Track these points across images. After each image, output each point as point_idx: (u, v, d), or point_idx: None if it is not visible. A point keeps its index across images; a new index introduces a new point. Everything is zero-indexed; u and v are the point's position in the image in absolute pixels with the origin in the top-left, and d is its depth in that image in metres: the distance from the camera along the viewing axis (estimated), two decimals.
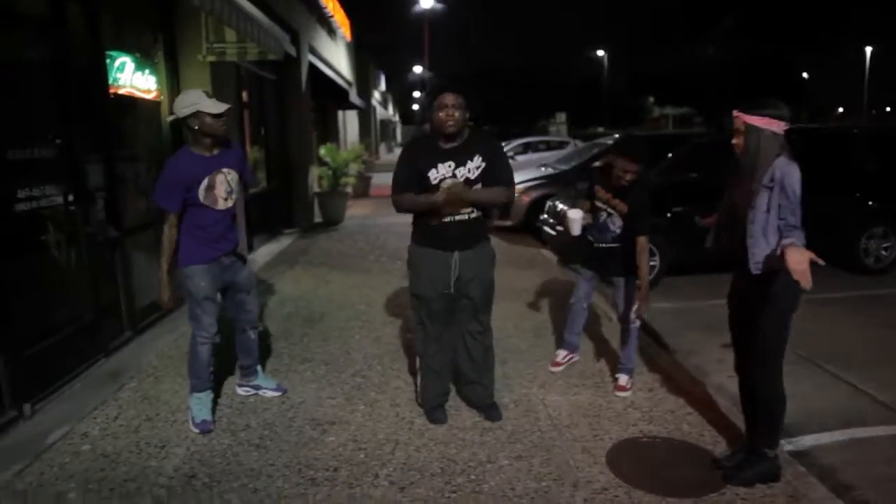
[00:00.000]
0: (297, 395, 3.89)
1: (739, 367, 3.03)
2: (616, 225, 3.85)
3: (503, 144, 3.41)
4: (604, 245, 3.95)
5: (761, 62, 40.31)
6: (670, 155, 7.38)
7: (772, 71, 40.79)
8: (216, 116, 3.20)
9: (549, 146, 19.45)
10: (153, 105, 5.64)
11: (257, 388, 3.85)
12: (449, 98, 3.12)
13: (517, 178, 4.06)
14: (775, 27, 38.28)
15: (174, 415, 3.62)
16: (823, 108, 57.06)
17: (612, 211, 3.85)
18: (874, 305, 5.92)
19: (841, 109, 63.97)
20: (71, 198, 4.11)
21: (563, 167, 10.24)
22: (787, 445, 3.30)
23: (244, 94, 8.49)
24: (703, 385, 4.11)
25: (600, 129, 36.58)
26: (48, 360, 3.82)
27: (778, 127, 2.68)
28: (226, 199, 3.39)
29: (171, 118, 3.34)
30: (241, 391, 3.86)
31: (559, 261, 7.77)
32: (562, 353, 4.32)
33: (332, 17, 13.49)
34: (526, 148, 18.50)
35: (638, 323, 3.95)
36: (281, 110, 10.30)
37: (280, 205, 10.02)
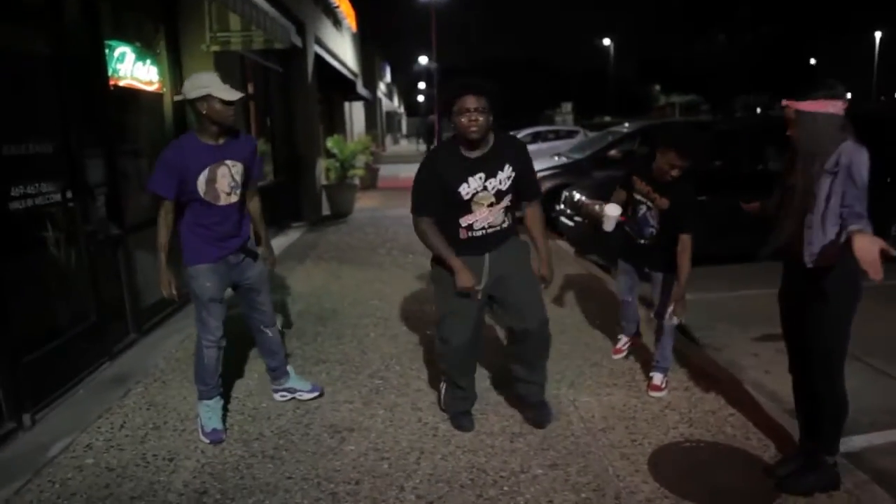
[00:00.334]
0: (312, 399, 3.67)
1: (794, 367, 2.78)
2: (655, 221, 3.59)
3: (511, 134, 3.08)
4: (643, 242, 3.69)
5: (771, 48, 39.79)
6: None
7: (781, 57, 40.28)
8: (226, 103, 2.96)
9: (559, 135, 19.12)
10: (155, 97, 5.42)
11: (292, 390, 3.62)
12: (470, 101, 2.77)
13: None
14: (785, 13, 37.73)
15: (183, 423, 3.41)
16: None
17: (651, 205, 3.59)
18: None
19: (849, 95, 63.35)
20: (69, 194, 3.90)
21: (578, 156, 9.97)
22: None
23: (250, 86, 8.28)
24: (740, 383, 3.87)
25: (607, 119, 36.19)
26: (49, 366, 3.61)
27: (835, 107, 2.42)
28: (229, 195, 3.12)
29: (177, 98, 3.12)
30: (278, 397, 3.62)
31: (576, 252, 7.53)
32: (622, 340, 4.18)
33: (337, 7, 13.23)
34: (535, 137, 18.16)
35: (676, 321, 3.71)
36: (287, 102, 10.08)
37: (287, 198, 9.81)
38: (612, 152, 9.61)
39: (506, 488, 2.76)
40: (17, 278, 3.42)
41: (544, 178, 9.18)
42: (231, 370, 3.70)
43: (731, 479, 2.83)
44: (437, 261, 3.07)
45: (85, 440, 3.24)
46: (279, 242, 8.53)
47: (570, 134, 19.31)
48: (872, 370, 4.09)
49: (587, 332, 4.72)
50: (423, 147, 33.71)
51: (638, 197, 3.65)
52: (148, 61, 5.23)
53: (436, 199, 2.92)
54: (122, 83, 4.79)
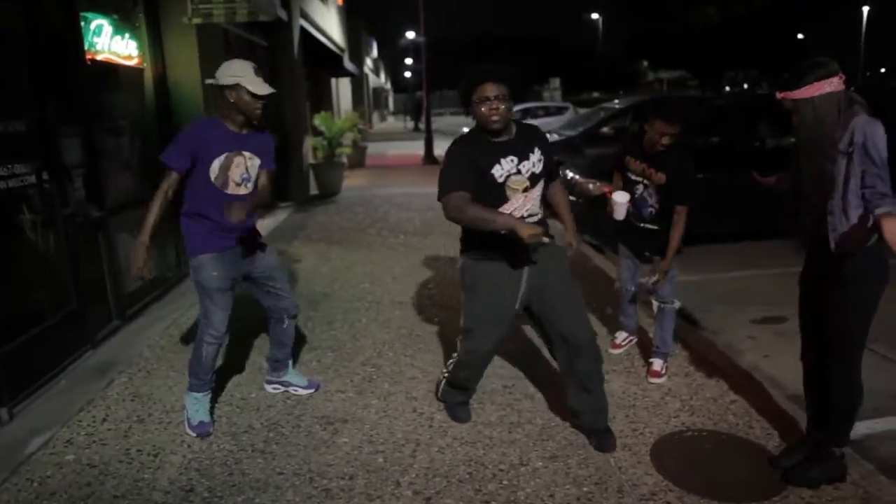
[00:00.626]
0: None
1: (806, 355, 2.68)
2: (654, 199, 3.47)
3: None
4: (642, 225, 3.57)
5: (759, 23, 39.58)
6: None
7: (769, 32, 40.09)
8: (255, 97, 2.92)
9: (548, 112, 18.94)
10: (135, 72, 5.20)
11: (287, 384, 3.49)
12: (490, 89, 2.61)
13: None
14: None
15: (168, 415, 3.28)
16: None
17: (647, 182, 3.48)
18: None
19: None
20: (45, 175, 3.72)
21: (570, 133, 9.84)
22: None
23: None
24: (741, 368, 3.81)
25: (595, 95, 35.95)
26: (27, 356, 3.46)
27: (832, 86, 2.28)
28: (238, 185, 3.01)
29: (209, 81, 3.04)
30: (270, 388, 3.50)
31: None
32: (621, 336, 4.02)
33: None
34: (525, 114, 17.93)
35: (678, 304, 3.62)
36: (273, 77, 9.78)
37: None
38: (605, 129, 9.48)
39: (505, 482, 2.67)
40: None
41: None
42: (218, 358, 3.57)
43: (736, 471, 2.75)
44: (470, 264, 2.85)
45: (65, 435, 3.10)
46: (266, 223, 8.35)
47: (559, 110, 19.13)
48: (876, 356, 4.03)
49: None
50: (410, 124, 33.34)
51: (633, 177, 3.53)
52: (126, 34, 5.01)
53: (467, 178, 2.65)
54: (99, 57, 4.58)
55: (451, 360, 3.25)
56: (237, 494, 2.61)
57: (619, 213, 3.54)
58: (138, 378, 3.73)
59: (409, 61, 46.79)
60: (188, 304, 4.98)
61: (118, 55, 4.87)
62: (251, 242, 3.19)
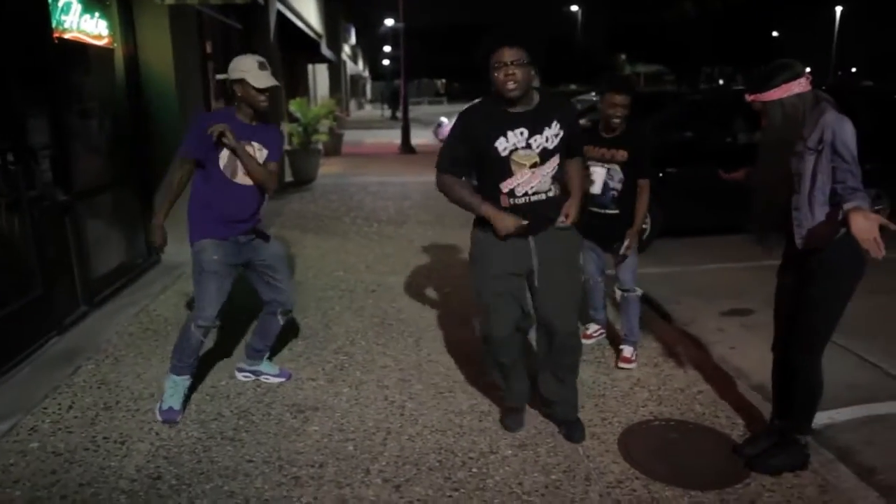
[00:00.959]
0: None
1: (777, 345, 2.73)
2: (616, 179, 3.55)
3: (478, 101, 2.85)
4: (605, 212, 3.62)
5: (734, 18, 40.02)
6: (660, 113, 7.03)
7: (744, 28, 40.57)
8: (258, 90, 3.04)
9: None
10: (105, 52, 5.08)
11: (258, 373, 3.48)
12: (507, 53, 2.50)
13: None
14: None
15: (136, 403, 3.24)
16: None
17: (609, 165, 3.56)
18: (871, 271, 5.75)
19: (808, 69, 64.50)
20: (10, 157, 3.62)
21: None
22: None
23: (207, 45, 7.87)
24: (710, 359, 3.88)
25: (572, 87, 36.04)
26: None
27: (800, 86, 2.35)
28: (245, 175, 3.08)
29: (220, 77, 3.24)
30: (240, 376, 3.49)
31: None
32: (591, 327, 4.06)
33: None
34: None
35: (639, 291, 3.70)
36: None
37: None
38: (582, 121, 9.51)
39: (474, 470, 2.69)
40: None
41: None
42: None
43: (701, 459, 2.81)
44: (479, 234, 2.75)
45: (30, 422, 3.04)
46: None
47: None
48: (835, 346, 4.12)
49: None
50: (388, 112, 33.12)
51: (595, 165, 3.59)
52: (96, 13, 4.88)
53: (463, 160, 2.66)
54: (67, 36, 4.46)
55: None
56: (205, 482, 2.59)
57: (597, 185, 3.57)
58: (106, 365, 3.67)
59: (387, 49, 46.46)
60: (158, 290, 4.92)
61: (87, 34, 4.75)
62: (255, 233, 3.24)
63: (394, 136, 17.91)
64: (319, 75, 20.10)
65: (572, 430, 2.96)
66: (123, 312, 4.46)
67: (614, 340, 3.93)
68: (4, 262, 3.67)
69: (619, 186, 3.55)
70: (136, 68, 5.45)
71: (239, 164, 3.06)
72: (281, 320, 3.39)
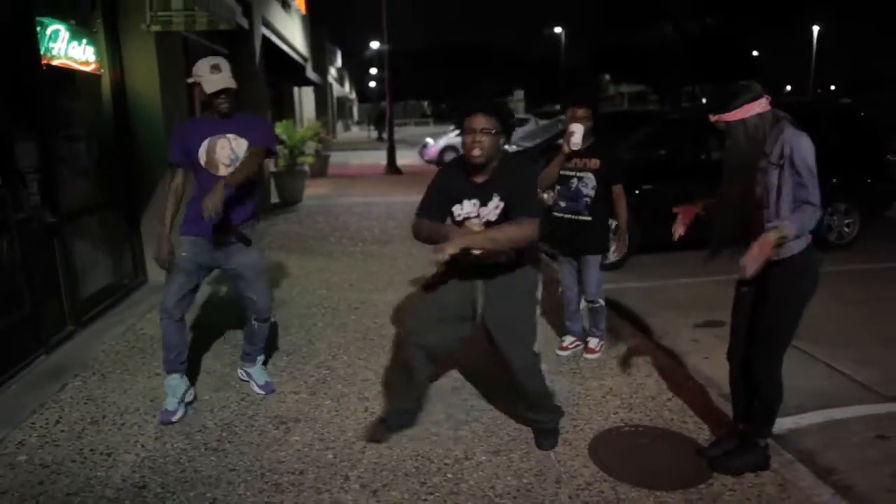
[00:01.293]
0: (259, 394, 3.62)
1: (734, 353, 2.86)
2: (589, 186, 3.76)
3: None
4: (576, 218, 3.81)
5: (714, 39, 40.75)
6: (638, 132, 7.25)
7: (724, 48, 41.30)
8: (212, 94, 3.18)
9: None
10: (93, 78, 5.21)
11: (249, 376, 3.69)
12: (479, 121, 2.63)
13: None
14: (729, 3, 38.64)
15: (122, 416, 3.32)
16: (774, 86, 58.32)
17: (582, 174, 3.77)
18: (838, 281, 5.92)
19: (788, 88, 65.48)
20: None
21: (527, 144, 10.08)
22: None
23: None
24: (682, 369, 4.01)
25: (557, 107, 36.51)
26: None
27: (760, 106, 2.50)
28: (228, 166, 3.23)
29: (189, 80, 3.37)
30: (239, 372, 3.75)
31: None
32: (568, 339, 4.20)
33: None
34: None
35: (602, 302, 3.95)
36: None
37: None
38: (561, 141, 9.73)
39: (449, 475, 2.80)
40: None
41: None
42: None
43: (666, 461, 2.93)
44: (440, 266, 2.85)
45: (17, 437, 3.12)
46: None
47: (520, 122, 19.42)
48: (799, 352, 4.27)
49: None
50: (374, 134, 33.34)
51: (568, 173, 3.82)
52: (84, 40, 5.01)
53: (438, 208, 2.84)
54: (55, 62, 4.58)
55: None
56: (189, 490, 2.68)
57: (576, 140, 3.68)
58: (92, 381, 3.75)
59: (373, 71, 46.91)
60: (144, 309, 5.00)
61: (75, 60, 4.87)
62: (235, 234, 3.29)
63: (380, 157, 18.09)
64: (305, 98, 20.29)
65: (543, 437, 3.07)
66: (110, 331, 4.54)
67: (590, 352, 4.07)
68: None
69: (592, 193, 3.77)
70: (123, 93, 5.57)
71: (218, 157, 3.22)
72: (256, 326, 3.51)
